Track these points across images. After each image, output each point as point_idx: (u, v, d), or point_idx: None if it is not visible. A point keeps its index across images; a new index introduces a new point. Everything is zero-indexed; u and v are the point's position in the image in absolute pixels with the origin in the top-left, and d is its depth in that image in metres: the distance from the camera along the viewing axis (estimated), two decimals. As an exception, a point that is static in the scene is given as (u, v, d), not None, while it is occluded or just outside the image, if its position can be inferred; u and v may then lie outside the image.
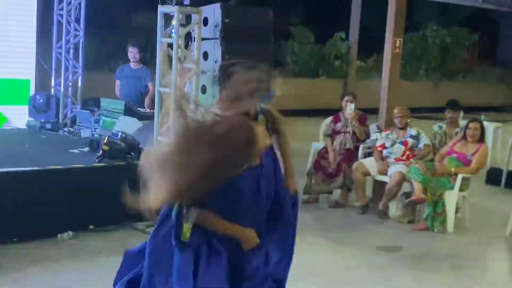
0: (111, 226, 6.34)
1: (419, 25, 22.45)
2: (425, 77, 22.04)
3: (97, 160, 6.49)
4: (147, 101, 8.42)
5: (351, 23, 18.65)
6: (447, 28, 22.57)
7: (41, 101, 8.75)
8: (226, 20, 6.67)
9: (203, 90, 6.98)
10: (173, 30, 6.42)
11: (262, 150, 3.03)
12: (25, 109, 8.79)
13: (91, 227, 6.25)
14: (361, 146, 7.88)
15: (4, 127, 8.62)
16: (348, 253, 6.19)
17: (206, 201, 2.95)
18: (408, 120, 7.63)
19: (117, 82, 8.96)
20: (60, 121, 8.79)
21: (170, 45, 6.47)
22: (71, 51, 9.14)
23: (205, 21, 6.92)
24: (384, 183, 7.46)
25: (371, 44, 17.48)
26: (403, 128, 7.58)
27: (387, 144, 7.57)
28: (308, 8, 22.32)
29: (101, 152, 6.51)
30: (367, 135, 7.92)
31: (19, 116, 8.75)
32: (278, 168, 3.28)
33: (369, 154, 7.87)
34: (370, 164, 7.60)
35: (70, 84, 9.16)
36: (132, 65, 8.82)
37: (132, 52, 8.72)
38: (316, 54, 19.76)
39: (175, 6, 6.26)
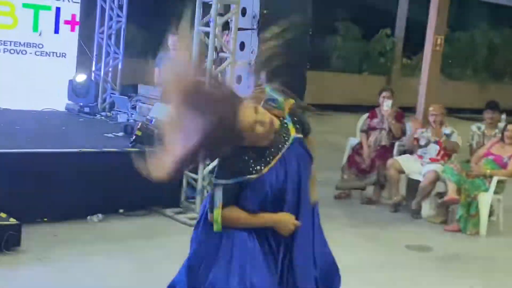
0: (140, 211, 6.39)
1: (468, 25, 22.04)
2: (471, 77, 21.65)
3: (130, 145, 6.54)
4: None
5: (397, 20, 18.43)
6: (497, 29, 22.12)
7: (81, 82, 8.84)
8: (264, 11, 6.64)
9: (238, 80, 6.96)
10: (210, 19, 6.41)
11: (267, 133, 2.96)
12: (64, 91, 8.88)
13: (120, 211, 6.32)
14: (396, 143, 7.78)
15: (43, 109, 8.73)
16: (377, 250, 6.12)
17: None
18: (444, 119, 7.50)
19: (156, 70, 9.00)
20: (99, 105, 8.89)
21: (207, 34, 6.48)
22: (113, 37, 9.24)
23: (243, 11, 6.90)
24: (418, 181, 7.35)
25: (417, 41, 17.22)
26: (439, 126, 7.46)
27: (421, 143, 7.46)
28: (355, 4, 22.11)
29: (134, 137, 6.56)
30: (403, 133, 7.81)
31: (59, 99, 8.85)
32: (304, 164, 3.15)
33: (404, 152, 7.76)
34: (405, 161, 7.50)
35: (110, 69, 9.26)
36: (172, 53, 8.84)
37: (173, 40, 8.73)
38: (360, 49, 19.56)
39: (214, -5, 6.26)
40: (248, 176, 2.98)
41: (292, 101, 3.16)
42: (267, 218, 3.06)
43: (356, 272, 5.40)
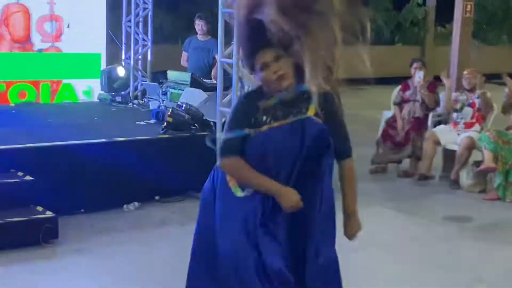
0: (176, 197, 6.42)
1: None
2: (507, 42, 21.20)
3: (161, 132, 6.56)
4: (213, 72, 8.42)
5: (428, -13, 18.11)
6: (530, -10, 21.59)
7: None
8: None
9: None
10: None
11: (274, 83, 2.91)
12: (97, 82, 8.96)
13: (156, 198, 6.35)
14: (430, 115, 7.66)
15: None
16: (415, 223, 6.05)
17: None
18: (477, 83, 7.35)
19: (184, 54, 9.01)
20: (130, 93, 8.93)
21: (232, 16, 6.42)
22: (140, 24, 9.24)
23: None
24: (455, 152, 7.23)
25: (449, 8, 16.92)
26: (471, 90, 7.33)
27: (457, 106, 7.34)
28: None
29: (165, 123, 6.58)
30: (437, 103, 7.68)
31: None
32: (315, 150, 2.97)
33: (438, 123, 7.63)
34: (441, 133, 7.39)
35: (140, 57, 9.28)
36: (200, 37, 8.83)
37: (200, 25, 8.73)
38: (392, 20, 19.29)
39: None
40: (248, 129, 2.92)
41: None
42: (273, 183, 2.92)
43: (394, 247, 5.36)
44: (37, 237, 5.02)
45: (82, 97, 8.84)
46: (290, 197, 2.92)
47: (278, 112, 2.94)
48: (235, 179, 3.02)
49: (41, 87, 8.45)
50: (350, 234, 3.16)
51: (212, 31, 8.62)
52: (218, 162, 3.05)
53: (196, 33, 8.89)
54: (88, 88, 8.80)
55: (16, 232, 5.01)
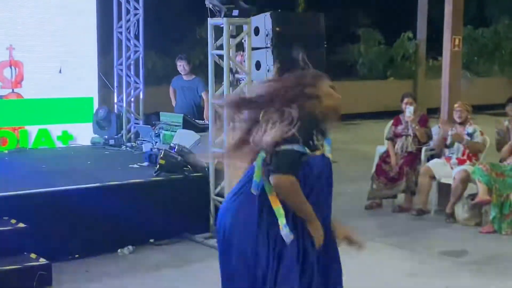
0: (170, 239, 6.39)
1: (491, 20, 21.77)
2: (499, 73, 21.35)
3: (154, 174, 6.56)
4: (206, 112, 8.46)
5: (418, 21, 18.27)
6: (521, 22, 21.83)
7: (103, 114, 8.94)
8: (277, 29, 6.64)
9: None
10: (223, 42, 6.42)
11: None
12: (89, 126, 8.98)
13: (151, 241, 6.32)
14: (423, 149, 7.68)
15: (70, 144, 8.82)
16: (412, 258, 6.02)
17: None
18: (468, 116, 7.40)
19: (171, 89, 9.12)
20: (123, 136, 8.95)
21: (221, 57, 6.48)
22: (132, 67, 9.31)
23: (256, 31, 6.90)
24: (449, 185, 7.24)
25: (441, 41, 17.09)
26: (462, 123, 7.36)
27: (448, 141, 7.37)
28: (375, 9, 22.04)
29: (158, 166, 6.58)
30: (429, 137, 7.71)
31: (84, 133, 8.95)
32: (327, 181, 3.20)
33: (431, 157, 7.65)
34: (435, 166, 7.41)
35: (132, 99, 9.33)
36: (184, 77, 8.93)
37: (181, 65, 8.81)
38: (383, 55, 19.46)
39: (224, 18, 6.26)
40: (307, 150, 2.99)
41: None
42: (313, 212, 3.05)
43: (391, 282, 5.33)
44: (31, 284, 4.99)
45: (56, 142, 8.78)
46: (319, 227, 3.08)
47: (320, 142, 3.06)
48: (280, 199, 3.00)
49: (20, 133, 8.42)
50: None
51: (197, 70, 8.67)
52: (274, 179, 2.96)
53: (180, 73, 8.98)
54: (62, 133, 8.77)
55: (10, 280, 4.97)
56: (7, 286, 4.94)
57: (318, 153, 3.04)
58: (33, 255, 5.23)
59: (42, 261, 5.15)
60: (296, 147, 2.93)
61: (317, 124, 3.06)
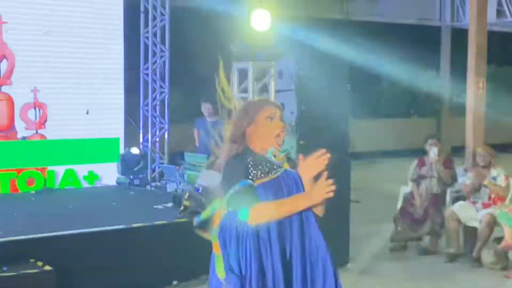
0: (193, 281, 6.38)
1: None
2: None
3: (179, 216, 6.59)
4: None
5: (441, 60, 18.31)
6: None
7: (134, 156, 9.02)
8: (300, 72, 6.69)
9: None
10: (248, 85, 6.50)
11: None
12: (114, 166, 9.07)
13: (174, 283, 6.32)
14: (448, 191, 7.64)
15: (96, 184, 8.91)
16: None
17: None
18: (492, 160, 7.35)
19: (195, 131, 9.17)
20: (148, 176, 9.02)
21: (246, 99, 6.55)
22: (157, 107, 9.43)
23: (280, 74, 6.97)
24: (475, 229, 7.17)
25: (465, 78, 17.09)
26: (486, 167, 7.31)
27: (474, 186, 7.32)
28: (398, 48, 22.08)
29: (182, 207, 6.61)
30: (454, 179, 7.67)
31: (109, 173, 9.04)
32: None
33: (456, 199, 7.60)
34: (460, 209, 7.34)
35: (157, 139, 9.43)
36: (208, 118, 8.98)
37: (206, 108, 8.86)
38: (406, 93, 19.46)
39: (250, 62, 6.35)
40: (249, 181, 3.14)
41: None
42: (298, 198, 3.19)
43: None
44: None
45: (83, 182, 8.88)
46: (319, 190, 3.15)
47: (265, 168, 3.18)
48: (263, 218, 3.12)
49: (47, 173, 8.53)
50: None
51: (221, 110, 8.69)
52: (245, 218, 3.10)
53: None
54: (88, 173, 8.86)
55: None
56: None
57: (256, 182, 3.15)
58: (60, 298, 5.27)
59: (69, 304, 5.18)
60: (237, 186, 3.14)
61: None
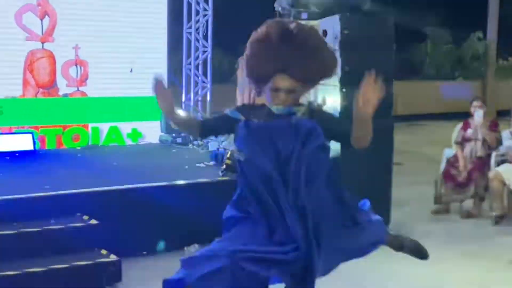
0: (235, 240, 6.44)
1: None
2: None
3: (220, 174, 6.64)
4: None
5: (488, 22, 17.90)
6: None
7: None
8: (345, 32, 6.60)
9: (324, 101, 6.95)
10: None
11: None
12: (158, 124, 9.15)
13: (216, 240, 6.38)
14: (493, 154, 7.53)
15: (139, 142, 9.02)
16: (479, 267, 5.89)
17: None
18: None
19: (238, 91, 9.12)
20: (191, 135, 9.08)
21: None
22: (200, 66, 9.45)
23: (324, 33, 6.88)
24: (520, 192, 7.09)
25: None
26: None
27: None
28: (444, 9, 21.66)
29: (224, 166, 6.65)
30: (499, 142, 7.55)
31: (152, 132, 9.13)
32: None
33: (501, 162, 7.49)
34: (505, 172, 7.24)
35: (199, 98, 9.46)
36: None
37: None
38: (452, 55, 19.13)
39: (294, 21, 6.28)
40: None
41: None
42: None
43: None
44: (101, 280, 5.14)
45: (126, 140, 8.99)
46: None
47: (268, 118, 3.24)
48: None
49: (92, 130, 8.66)
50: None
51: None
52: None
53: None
54: (131, 131, 8.96)
55: (81, 275, 5.13)
56: (78, 281, 5.10)
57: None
58: (103, 251, 5.38)
59: (113, 257, 5.29)
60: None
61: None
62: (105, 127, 8.81)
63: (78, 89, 8.76)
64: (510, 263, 6.01)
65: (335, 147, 3.45)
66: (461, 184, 7.52)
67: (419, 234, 6.83)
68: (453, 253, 6.26)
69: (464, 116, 8.04)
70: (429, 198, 7.77)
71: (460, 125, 7.95)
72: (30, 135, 7.91)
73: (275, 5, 6.36)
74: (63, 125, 8.55)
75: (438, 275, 5.61)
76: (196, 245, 6.23)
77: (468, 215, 7.52)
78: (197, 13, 9.34)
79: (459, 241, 6.70)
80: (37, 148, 7.96)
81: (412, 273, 5.56)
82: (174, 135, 8.88)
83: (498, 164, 7.49)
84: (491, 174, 7.28)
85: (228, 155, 6.68)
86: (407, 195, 8.18)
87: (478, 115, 7.51)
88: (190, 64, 9.43)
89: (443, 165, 7.94)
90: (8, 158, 7.50)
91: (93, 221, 5.56)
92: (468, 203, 7.66)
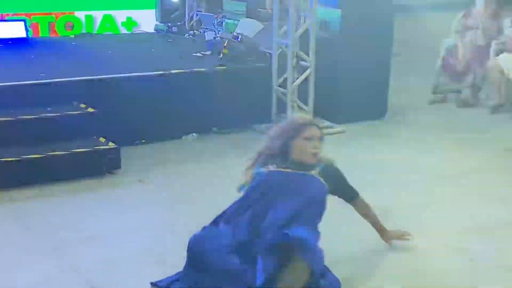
0: (233, 129, 6.47)
1: None
2: None
3: (218, 63, 6.56)
4: (268, 2, 8.31)
5: None
6: None
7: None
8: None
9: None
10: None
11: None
12: (153, 13, 8.96)
13: (214, 129, 6.41)
14: (493, 43, 7.42)
15: (134, 31, 8.87)
16: (475, 155, 5.94)
17: None
18: None
19: None
20: (186, 24, 8.91)
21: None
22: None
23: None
24: (517, 81, 7.05)
25: None
26: None
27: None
28: None
29: (221, 55, 6.56)
30: (500, 32, 7.44)
31: (147, 20, 8.95)
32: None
33: (501, 51, 7.40)
34: (504, 61, 7.18)
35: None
36: None
37: None
38: None
39: None
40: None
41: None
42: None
43: (454, 178, 5.31)
44: (100, 167, 5.18)
45: (121, 28, 8.82)
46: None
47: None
48: None
49: (85, 18, 8.48)
50: (387, 240, 3.93)
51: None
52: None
53: None
54: (126, 19, 8.77)
55: (81, 162, 5.16)
56: (78, 168, 5.13)
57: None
58: (102, 139, 5.39)
59: (111, 145, 5.30)
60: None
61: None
62: (98, 15, 8.62)
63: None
64: (506, 151, 6.06)
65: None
66: (460, 73, 7.48)
67: (416, 123, 6.90)
68: (450, 142, 6.30)
69: (463, 6, 7.89)
70: (427, 88, 7.74)
71: (461, 13, 7.81)
72: (22, 22, 7.75)
73: None
74: (55, 13, 8.36)
75: (436, 163, 5.66)
76: (194, 134, 6.26)
77: (465, 104, 7.51)
78: None
79: (456, 130, 6.72)
80: (29, 35, 7.83)
81: (410, 160, 5.63)
82: (169, 24, 8.71)
83: (498, 52, 7.40)
84: (490, 63, 7.22)
85: (225, 44, 6.57)
86: (405, 85, 8.15)
87: (479, 3, 7.35)
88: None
89: (441, 55, 7.85)
90: (0, 45, 7.37)
91: (90, 109, 5.53)
92: (465, 93, 7.64)
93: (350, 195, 3.75)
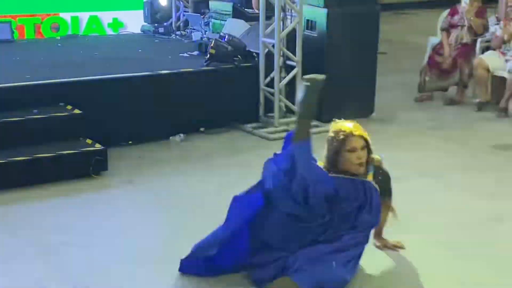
0: (220, 129, 6.47)
1: None
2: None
3: (205, 64, 6.55)
4: (254, 1, 8.31)
5: None
6: None
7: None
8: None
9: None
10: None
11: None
12: (139, 14, 8.93)
13: (201, 129, 6.41)
14: (478, 40, 7.47)
15: (120, 32, 8.84)
16: (462, 152, 5.98)
17: None
18: None
19: None
20: (173, 25, 8.89)
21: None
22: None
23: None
24: (503, 79, 7.08)
25: None
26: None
27: (505, 38, 7.13)
28: None
29: (208, 55, 6.56)
30: (485, 29, 7.48)
31: (134, 21, 8.92)
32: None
33: (487, 49, 7.45)
34: (489, 59, 7.22)
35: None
36: None
37: None
38: None
39: None
40: None
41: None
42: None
43: (441, 175, 5.34)
44: (87, 169, 5.16)
45: (107, 29, 8.79)
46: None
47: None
48: None
49: (71, 20, 8.45)
50: (378, 244, 4.03)
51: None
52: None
53: None
54: (112, 20, 8.75)
55: (67, 164, 5.15)
56: (65, 170, 5.12)
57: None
58: (89, 141, 5.37)
59: (98, 146, 5.29)
60: None
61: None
62: (85, 16, 8.59)
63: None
64: (492, 148, 6.10)
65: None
66: (446, 71, 7.50)
67: (402, 121, 6.93)
68: (437, 139, 6.34)
69: (450, 4, 7.92)
70: (413, 86, 7.77)
71: (447, 11, 7.84)
72: (7, 24, 7.71)
73: None
74: (41, 14, 8.33)
75: (422, 160, 5.69)
76: (181, 135, 6.25)
77: (451, 101, 7.55)
78: None
79: (443, 127, 6.76)
80: (15, 38, 7.79)
81: (396, 157, 5.64)
82: (156, 25, 8.68)
83: (483, 50, 7.45)
84: (475, 61, 7.26)
85: (212, 44, 6.57)
86: (391, 83, 8.18)
87: (464, 1, 7.39)
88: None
89: (427, 53, 7.89)
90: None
91: (77, 111, 5.51)
92: (452, 91, 7.68)
93: (385, 195, 3.86)
